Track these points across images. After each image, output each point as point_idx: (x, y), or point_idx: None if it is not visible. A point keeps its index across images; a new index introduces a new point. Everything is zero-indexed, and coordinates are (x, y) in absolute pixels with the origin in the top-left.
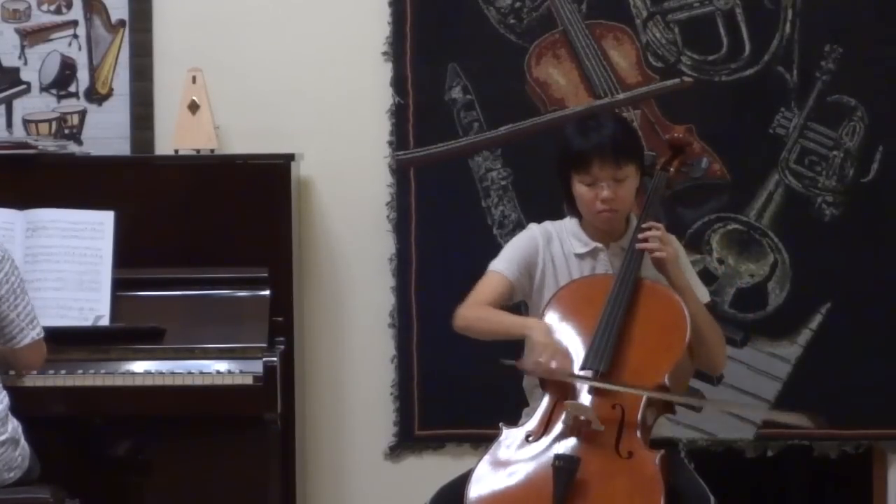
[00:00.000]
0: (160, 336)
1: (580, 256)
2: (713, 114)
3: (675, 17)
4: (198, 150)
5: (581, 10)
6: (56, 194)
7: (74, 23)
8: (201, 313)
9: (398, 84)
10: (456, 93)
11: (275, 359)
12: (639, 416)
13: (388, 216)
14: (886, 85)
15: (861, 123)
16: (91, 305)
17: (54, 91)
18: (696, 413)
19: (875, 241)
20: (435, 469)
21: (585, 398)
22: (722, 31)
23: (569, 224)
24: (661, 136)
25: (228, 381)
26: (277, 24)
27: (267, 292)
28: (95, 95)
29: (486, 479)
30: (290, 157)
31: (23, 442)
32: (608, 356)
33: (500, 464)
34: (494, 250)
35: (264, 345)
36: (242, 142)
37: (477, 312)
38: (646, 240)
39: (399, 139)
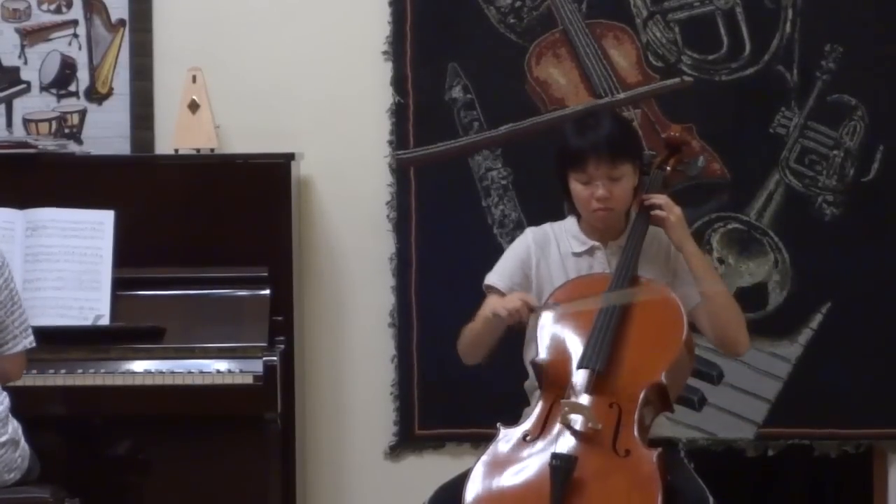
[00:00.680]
0: (160, 335)
1: (577, 255)
2: (713, 113)
3: (676, 16)
4: (198, 150)
5: (581, 10)
6: (56, 194)
7: (74, 22)
8: (201, 313)
9: (398, 83)
10: (456, 92)
11: (275, 358)
12: (636, 415)
13: (388, 216)
14: (886, 84)
15: (861, 123)
16: (91, 305)
17: (54, 90)
18: (696, 412)
19: (875, 240)
20: (435, 469)
21: (583, 397)
22: (722, 30)
23: (568, 224)
24: (661, 135)
25: (228, 380)
26: (277, 24)
27: (267, 292)
28: (95, 95)
29: (483, 478)
30: (290, 157)
31: (23, 443)
32: (605, 355)
33: (497, 463)
34: (494, 250)
35: (264, 344)
36: (242, 141)
37: (461, 338)
38: (650, 203)
39: (399, 139)
